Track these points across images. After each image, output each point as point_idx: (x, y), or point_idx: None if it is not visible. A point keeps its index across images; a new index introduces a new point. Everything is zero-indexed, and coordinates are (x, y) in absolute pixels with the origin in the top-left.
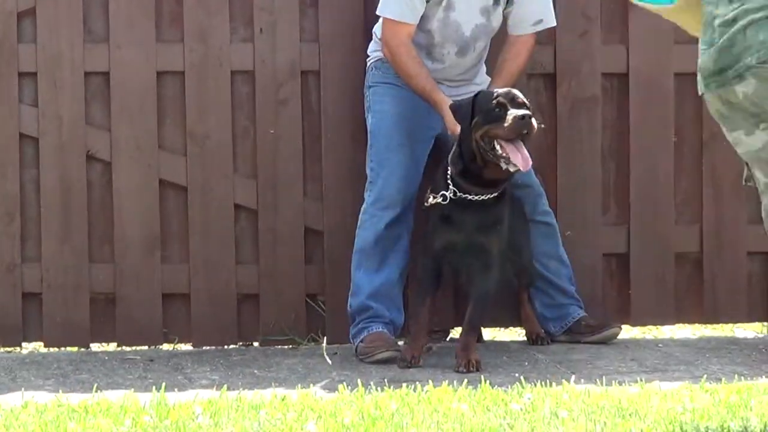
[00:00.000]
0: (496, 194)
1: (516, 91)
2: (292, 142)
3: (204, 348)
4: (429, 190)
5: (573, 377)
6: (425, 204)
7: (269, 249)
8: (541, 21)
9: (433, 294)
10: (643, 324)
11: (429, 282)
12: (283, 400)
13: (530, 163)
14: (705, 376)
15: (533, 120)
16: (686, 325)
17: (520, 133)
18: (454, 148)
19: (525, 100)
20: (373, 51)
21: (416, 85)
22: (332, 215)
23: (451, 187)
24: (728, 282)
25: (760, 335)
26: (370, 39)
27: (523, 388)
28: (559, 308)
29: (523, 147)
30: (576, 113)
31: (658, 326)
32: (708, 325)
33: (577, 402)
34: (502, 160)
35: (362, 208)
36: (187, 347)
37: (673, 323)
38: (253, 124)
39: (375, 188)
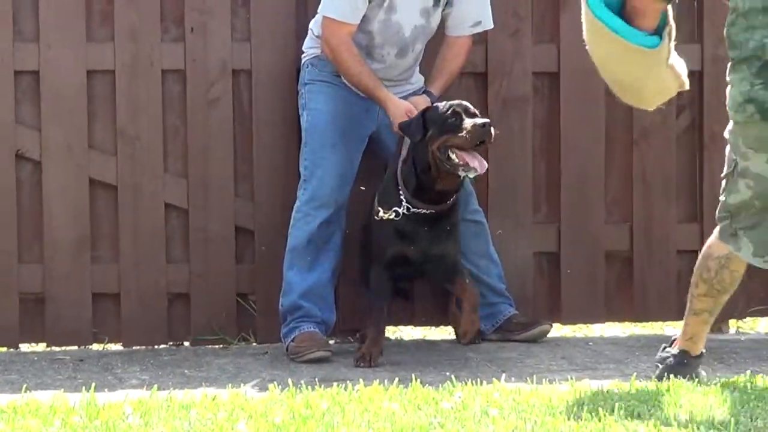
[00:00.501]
0: (449, 205)
1: (466, 102)
2: (223, 142)
3: (134, 348)
4: (377, 202)
5: (503, 375)
6: (375, 217)
7: (200, 248)
8: (479, 23)
9: (390, 299)
10: (574, 322)
11: (385, 290)
12: (213, 399)
13: (486, 165)
14: (635, 374)
15: (492, 128)
16: (616, 323)
17: (480, 140)
18: (401, 163)
19: (475, 110)
20: (309, 48)
21: (359, 82)
22: (263, 214)
23: (404, 203)
24: (658, 280)
25: None
26: (303, 38)
27: (453, 386)
28: (490, 307)
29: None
30: (507, 112)
31: (588, 324)
32: (638, 324)
33: (507, 400)
34: (460, 168)
35: (295, 207)
36: (117, 347)
37: (604, 321)
38: (184, 123)
39: (309, 187)
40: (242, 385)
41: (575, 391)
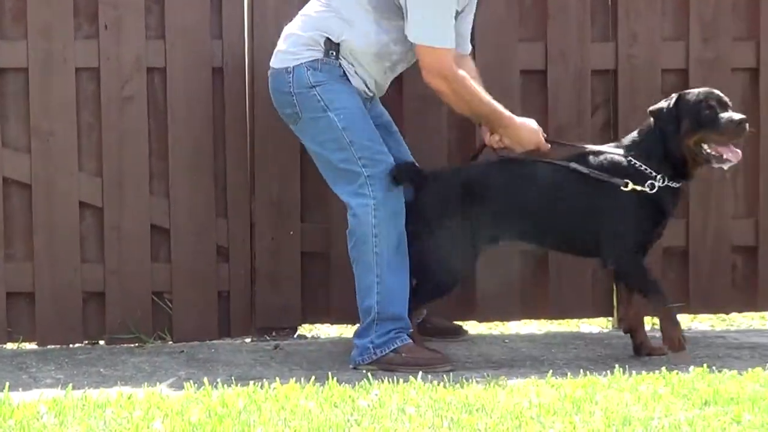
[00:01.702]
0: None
1: (717, 92)
2: (137, 139)
3: (49, 347)
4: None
5: (420, 373)
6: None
7: (115, 247)
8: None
9: None
10: (489, 320)
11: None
12: (129, 398)
13: (740, 155)
14: (551, 371)
15: (746, 124)
16: (533, 320)
17: (736, 138)
18: (633, 142)
19: (727, 99)
20: (305, 50)
21: (486, 108)
22: (179, 213)
23: (658, 176)
24: (573, 278)
25: (605, 330)
26: (218, 36)
27: (370, 384)
28: None
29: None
30: (423, 110)
31: (504, 322)
32: (554, 321)
33: (424, 398)
34: (714, 160)
35: (369, 208)
36: (31, 346)
37: (519, 319)
38: (98, 121)
39: (380, 185)
40: (158, 383)
41: (492, 389)
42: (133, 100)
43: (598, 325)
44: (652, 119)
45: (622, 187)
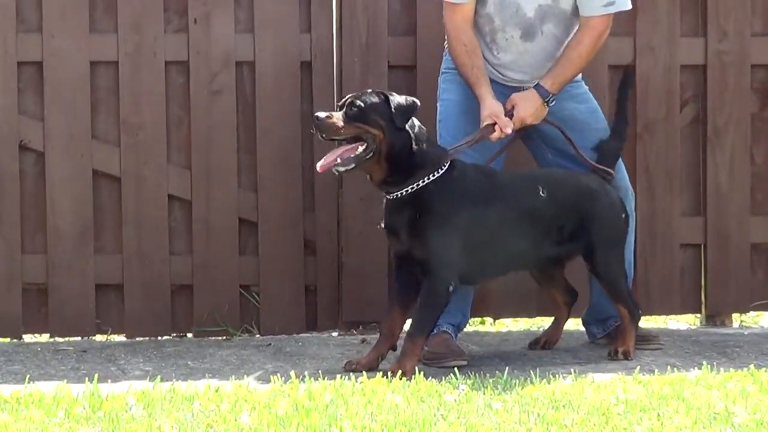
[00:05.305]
0: (407, 191)
1: (358, 95)
2: (226, 133)
3: (137, 339)
4: None
5: (507, 369)
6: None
7: (203, 240)
8: (612, 3)
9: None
10: (575, 316)
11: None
12: (216, 391)
13: (328, 162)
14: (638, 367)
15: (320, 123)
16: None
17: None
18: None
19: (357, 101)
20: None
21: (463, 74)
22: (266, 206)
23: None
24: (661, 274)
25: (693, 327)
26: (306, 30)
27: (457, 379)
28: (604, 314)
29: (336, 150)
30: None
31: None
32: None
33: (511, 393)
34: None
35: None
36: (120, 338)
37: None
38: (187, 114)
39: None
40: (245, 376)
41: (579, 385)
42: (221, 94)
43: (686, 322)
44: None
45: None
